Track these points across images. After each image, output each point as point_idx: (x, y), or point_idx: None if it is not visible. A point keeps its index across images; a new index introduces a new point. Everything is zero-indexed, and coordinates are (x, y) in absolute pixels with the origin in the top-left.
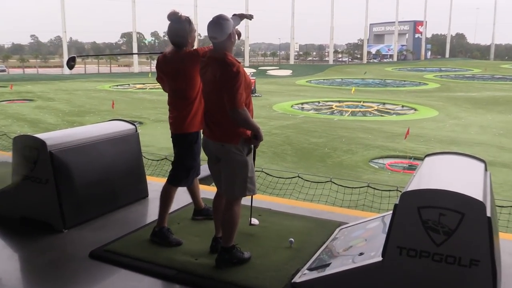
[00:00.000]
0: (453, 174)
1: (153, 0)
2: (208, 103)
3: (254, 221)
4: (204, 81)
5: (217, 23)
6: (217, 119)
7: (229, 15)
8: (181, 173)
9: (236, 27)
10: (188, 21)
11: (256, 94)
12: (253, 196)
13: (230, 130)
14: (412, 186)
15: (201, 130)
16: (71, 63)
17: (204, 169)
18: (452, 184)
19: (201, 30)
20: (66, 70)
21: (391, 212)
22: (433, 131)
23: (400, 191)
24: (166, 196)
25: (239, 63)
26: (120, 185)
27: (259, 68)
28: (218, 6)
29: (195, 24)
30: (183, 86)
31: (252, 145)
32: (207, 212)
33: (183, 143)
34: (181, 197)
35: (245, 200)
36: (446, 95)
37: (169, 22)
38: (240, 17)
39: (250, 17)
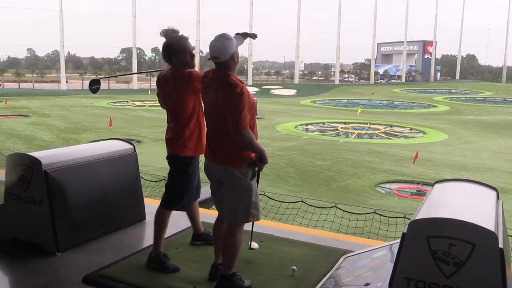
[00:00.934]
0: (464, 203)
1: (154, 15)
2: (211, 125)
3: (254, 245)
4: (206, 102)
5: (220, 43)
6: (220, 142)
7: (232, 32)
8: (174, 196)
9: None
10: (178, 39)
11: (257, 116)
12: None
13: (234, 153)
14: (421, 214)
15: (200, 153)
16: (96, 86)
17: (204, 192)
18: (463, 213)
19: (203, 47)
20: (63, 85)
21: (398, 240)
22: (443, 156)
23: (408, 218)
24: (160, 220)
25: (243, 83)
26: (116, 207)
27: (263, 87)
28: (221, 23)
29: (197, 40)
30: (174, 107)
31: (257, 168)
32: (207, 237)
33: (177, 164)
34: (180, 221)
35: (246, 225)
36: (456, 118)
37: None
38: (243, 36)
39: (254, 36)
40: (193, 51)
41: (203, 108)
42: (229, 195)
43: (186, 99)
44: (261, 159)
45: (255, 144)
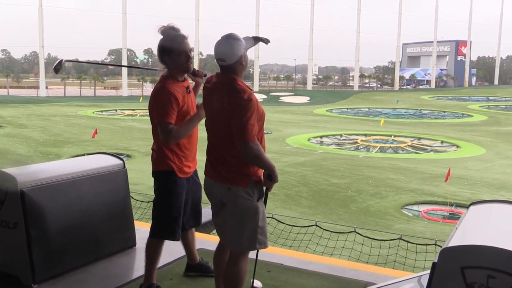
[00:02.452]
0: (505, 228)
1: (147, 13)
2: (213, 137)
3: (257, 283)
4: (208, 111)
5: (226, 43)
6: (223, 156)
7: (237, 31)
8: (157, 221)
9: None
10: (173, 36)
11: (264, 131)
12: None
13: (238, 170)
14: (455, 241)
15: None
16: (56, 67)
17: (204, 214)
18: (504, 240)
19: (202, 47)
20: (42, 92)
21: (428, 272)
22: (479, 173)
23: (440, 246)
24: (152, 250)
25: (251, 90)
26: (103, 232)
27: (271, 93)
28: (224, 21)
29: (196, 41)
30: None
31: (265, 188)
32: (201, 268)
33: (156, 180)
34: (176, 247)
35: (250, 253)
36: (495, 129)
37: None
38: (254, 39)
39: (266, 41)
40: (191, 53)
41: (205, 117)
42: (232, 218)
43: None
44: (270, 177)
45: (264, 158)
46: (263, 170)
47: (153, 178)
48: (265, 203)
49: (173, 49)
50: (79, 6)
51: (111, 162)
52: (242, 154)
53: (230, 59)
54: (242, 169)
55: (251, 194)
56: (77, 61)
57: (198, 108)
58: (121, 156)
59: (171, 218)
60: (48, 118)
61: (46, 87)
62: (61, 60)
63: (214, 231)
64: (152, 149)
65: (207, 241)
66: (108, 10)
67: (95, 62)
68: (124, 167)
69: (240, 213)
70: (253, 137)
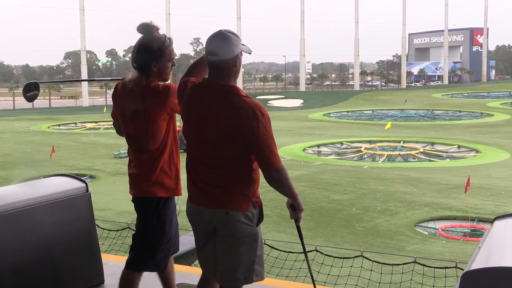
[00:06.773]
0: None
1: (109, 8)
2: (202, 157)
3: None
4: (193, 124)
5: (222, 36)
6: (219, 177)
7: (213, 26)
8: (144, 252)
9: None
10: (161, 39)
11: None
12: None
13: (238, 191)
14: (478, 263)
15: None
16: (33, 92)
17: (183, 242)
18: None
19: (174, 46)
20: None
21: None
22: (504, 181)
23: (461, 269)
24: (127, 286)
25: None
26: (64, 268)
27: (258, 97)
28: (198, 14)
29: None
30: (141, 132)
31: (294, 220)
32: None
33: (147, 208)
34: (151, 284)
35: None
36: None
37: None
38: None
39: (248, 50)
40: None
41: (187, 132)
42: (227, 247)
43: (159, 123)
44: (293, 207)
45: (291, 185)
46: (256, 194)
47: (136, 203)
48: (301, 239)
49: (165, 58)
50: (28, 2)
51: (71, 185)
52: (269, 182)
53: (225, 53)
54: (241, 189)
55: (251, 218)
56: (54, 81)
57: None
58: (83, 178)
59: (165, 249)
60: None
61: None
62: (36, 83)
63: (196, 262)
64: (139, 167)
65: (188, 274)
66: (63, 6)
67: (66, 81)
68: (87, 190)
69: (238, 241)
70: (279, 160)
